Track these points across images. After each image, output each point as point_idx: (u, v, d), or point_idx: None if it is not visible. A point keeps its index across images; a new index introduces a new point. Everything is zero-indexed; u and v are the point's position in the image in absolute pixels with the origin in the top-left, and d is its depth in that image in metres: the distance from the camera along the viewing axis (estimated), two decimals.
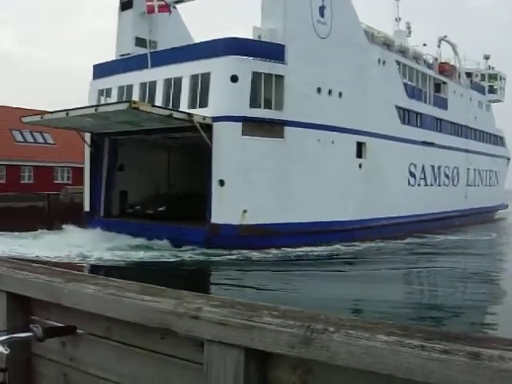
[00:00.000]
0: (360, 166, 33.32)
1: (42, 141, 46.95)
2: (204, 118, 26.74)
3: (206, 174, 27.78)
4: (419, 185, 40.58)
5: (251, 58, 27.90)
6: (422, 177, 41.14)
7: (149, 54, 31.11)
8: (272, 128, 28.20)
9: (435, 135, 42.61)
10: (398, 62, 38.69)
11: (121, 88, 33.27)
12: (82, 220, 33.57)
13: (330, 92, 30.96)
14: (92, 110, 25.94)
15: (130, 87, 32.59)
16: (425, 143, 40.68)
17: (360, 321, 1.97)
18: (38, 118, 29.70)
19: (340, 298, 18.34)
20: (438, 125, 43.91)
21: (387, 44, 38.00)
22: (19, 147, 44.73)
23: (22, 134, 45.46)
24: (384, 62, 36.05)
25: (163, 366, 2.52)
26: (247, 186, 27.22)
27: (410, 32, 48.66)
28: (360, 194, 32.31)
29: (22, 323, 3.07)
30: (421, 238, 35.29)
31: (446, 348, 1.64)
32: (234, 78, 27.43)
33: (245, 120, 27.37)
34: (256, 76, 28.01)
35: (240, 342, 2.09)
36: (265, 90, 28.39)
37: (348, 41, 31.96)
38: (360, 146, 33.39)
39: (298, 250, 27.18)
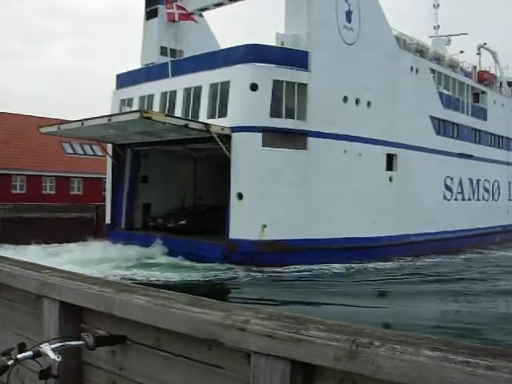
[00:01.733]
0: (390, 178, 31.61)
1: (91, 153, 47.53)
2: (222, 128, 25.66)
3: (226, 186, 26.66)
4: (456, 199, 38.55)
5: (272, 65, 26.65)
6: (459, 191, 39.06)
7: (169, 63, 30.36)
8: (294, 139, 26.78)
9: (473, 147, 40.47)
10: (433, 70, 36.89)
11: (142, 98, 32.57)
12: (103, 232, 33.15)
13: (357, 101, 29.39)
14: (105, 120, 25.19)
15: (150, 97, 31.87)
16: (462, 155, 38.59)
17: (405, 335, 1.96)
18: (55, 128, 29.22)
19: None
20: (477, 136, 41.73)
21: (420, 51, 36.18)
22: (69, 159, 45.72)
23: (71, 146, 46.51)
24: (417, 70, 34.24)
25: (210, 377, 2.53)
26: (267, 200, 25.87)
27: (449, 41, 46.85)
28: (391, 209, 30.68)
29: (73, 331, 3.12)
30: (478, 253, 34.51)
31: (490, 364, 1.61)
32: (254, 87, 26.21)
33: (265, 130, 26.09)
34: (277, 84, 26.70)
35: (287, 354, 2.09)
36: (286, 98, 27.01)
37: (377, 47, 30.36)
38: (390, 158, 31.68)
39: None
